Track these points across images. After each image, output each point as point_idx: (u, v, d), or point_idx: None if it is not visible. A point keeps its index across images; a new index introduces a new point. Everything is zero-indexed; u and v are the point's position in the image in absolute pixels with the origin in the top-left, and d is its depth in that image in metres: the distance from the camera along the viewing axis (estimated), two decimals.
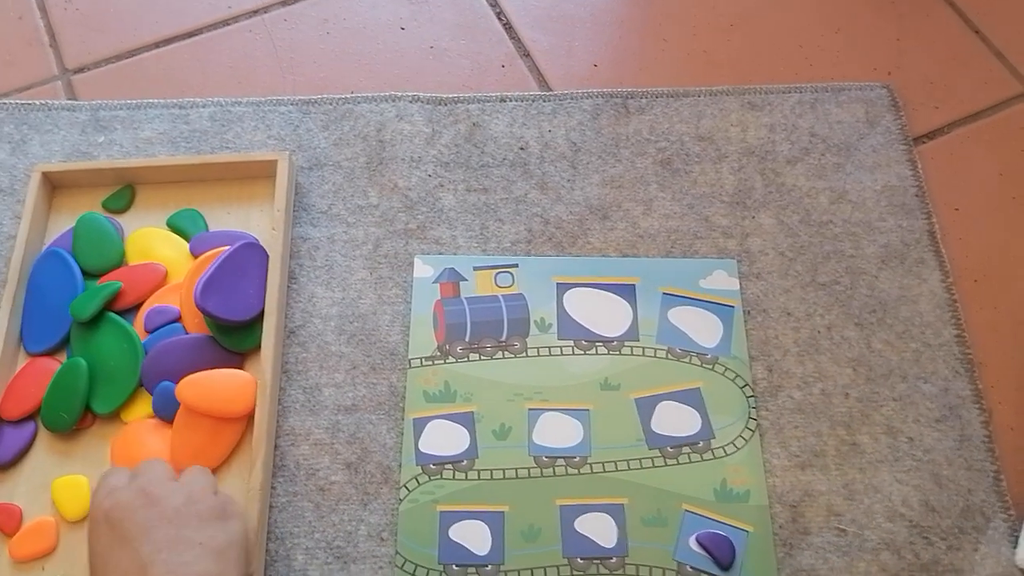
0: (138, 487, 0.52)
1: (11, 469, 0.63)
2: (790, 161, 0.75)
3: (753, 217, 0.72)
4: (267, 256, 0.68)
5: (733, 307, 0.69)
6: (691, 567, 0.59)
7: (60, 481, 0.62)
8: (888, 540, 0.60)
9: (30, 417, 0.64)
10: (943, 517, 0.61)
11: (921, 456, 0.63)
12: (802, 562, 0.60)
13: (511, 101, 0.78)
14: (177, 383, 0.63)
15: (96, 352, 0.65)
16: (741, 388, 0.65)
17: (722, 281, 0.70)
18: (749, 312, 0.69)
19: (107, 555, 0.50)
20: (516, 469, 0.63)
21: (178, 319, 0.67)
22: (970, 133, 0.77)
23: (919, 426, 0.64)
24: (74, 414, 0.63)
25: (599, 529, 0.61)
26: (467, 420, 0.65)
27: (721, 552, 0.59)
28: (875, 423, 0.64)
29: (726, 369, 0.66)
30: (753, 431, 0.64)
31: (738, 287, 0.69)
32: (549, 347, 0.67)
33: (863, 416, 0.64)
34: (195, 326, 0.67)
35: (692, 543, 0.60)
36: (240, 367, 0.66)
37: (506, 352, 0.67)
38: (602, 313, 0.69)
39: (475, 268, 0.70)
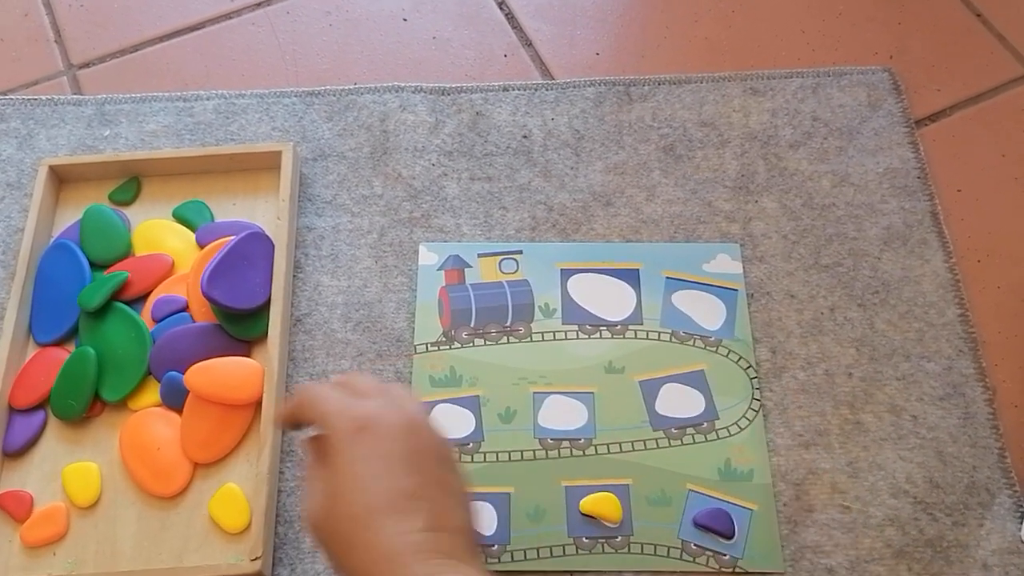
0: (396, 406, 0.48)
1: (22, 457, 0.64)
2: (792, 145, 0.75)
3: (756, 201, 0.73)
4: (272, 245, 0.69)
5: (736, 290, 0.69)
6: (695, 544, 0.60)
7: (70, 468, 0.62)
8: (893, 516, 0.61)
9: (40, 406, 0.65)
10: (948, 494, 0.61)
11: (925, 434, 0.63)
12: (806, 539, 0.60)
13: (514, 90, 0.79)
14: (185, 371, 0.64)
15: (105, 341, 0.66)
16: (745, 370, 0.66)
17: (725, 265, 0.70)
18: (752, 295, 0.69)
19: (370, 469, 0.45)
20: (521, 451, 0.63)
21: (185, 308, 0.68)
22: (972, 115, 0.78)
23: (923, 404, 0.64)
24: (83, 402, 0.64)
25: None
26: (473, 404, 0.65)
27: (721, 524, 0.60)
28: (879, 402, 0.64)
29: (730, 351, 0.67)
30: (757, 411, 0.64)
31: (741, 270, 0.70)
32: (553, 332, 0.68)
33: (867, 395, 0.65)
34: (202, 315, 0.67)
35: (692, 525, 0.60)
36: (247, 355, 0.66)
37: (511, 337, 0.68)
38: (606, 298, 0.69)
39: (479, 255, 0.71)
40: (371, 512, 0.44)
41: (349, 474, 0.45)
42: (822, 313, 0.68)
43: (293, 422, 0.52)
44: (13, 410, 0.65)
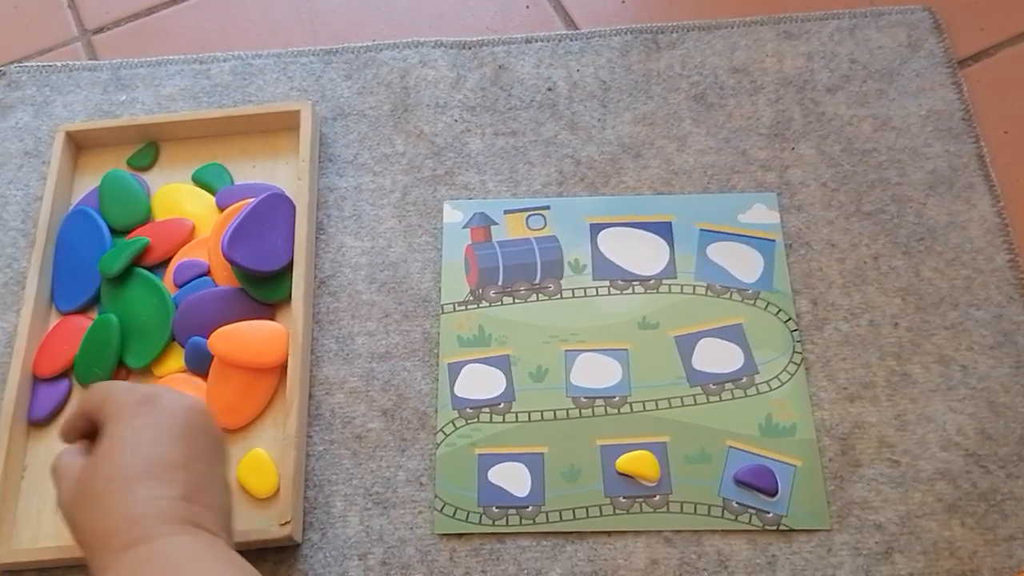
0: (178, 393, 0.52)
1: (48, 426, 0.63)
2: (830, 89, 0.72)
3: (793, 148, 0.70)
4: (294, 206, 0.67)
5: (774, 241, 0.66)
6: (737, 502, 0.58)
7: None
8: (943, 470, 0.58)
9: (64, 374, 0.64)
10: (1001, 445, 0.59)
11: (975, 384, 0.61)
12: (853, 495, 0.58)
13: (537, 42, 0.76)
14: (208, 336, 0.63)
15: (127, 308, 0.65)
16: (784, 322, 0.63)
17: (762, 215, 0.67)
18: (791, 245, 0.66)
19: (140, 436, 0.47)
20: (554, 410, 0.62)
21: (207, 273, 0.66)
22: (1017, 54, 0.74)
23: (973, 353, 0.61)
24: (107, 369, 0.63)
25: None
26: (503, 363, 0.63)
27: (763, 481, 0.58)
28: (926, 352, 0.62)
29: (768, 304, 0.64)
30: (798, 365, 0.62)
31: (779, 220, 0.67)
32: (584, 288, 0.66)
33: (914, 346, 0.62)
34: (224, 279, 0.66)
35: (733, 482, 0.58)
36: (271, 318, 0.65)
37: (540, 295, 0.66)
38: (638, 252, 0.67)
39: (506, 212, 0.69)
40: (130, 475, 0.46)
41: (119, 438, 0.47)
42: (865, 262, 0.65)
43: (76, 423, 0.52)
44: (38, 379, 0.64)
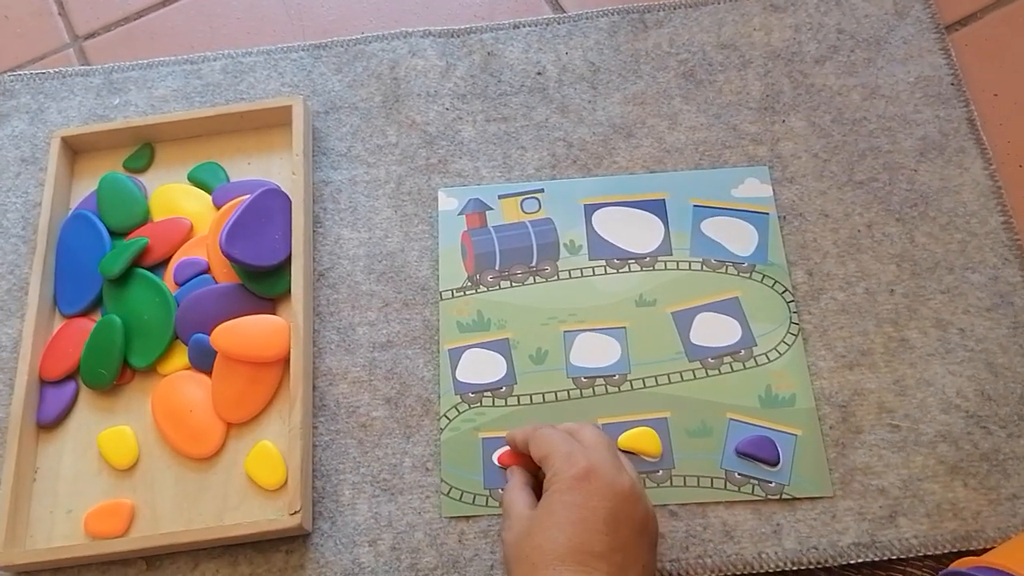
0: (616, 468, 0.52)
1: (57, 429, 0.64)
2: (818, 61, 0.72)
3: (783, 121, 0.70)
4: (290, 201, 0.68)
5: (768, 214, 0.67)
6: (739, 474, 0.58)
7: (105, 434, 0.62)
8: (945, 432, 0.58)
9: (70, 377, 0.65)
10: (1001, 405, 0.59)
11: (974, 346, 0.61)
12: (855, 461, 0.58)
13: (525, 27, 0.76)
14: (211, 332, 0.63)
15: (129, 308, 0.65)
16: (781, 294, 0.64)
17: (754, 189, 0.68)
18: (785, 217, 0.66)
19: (570, 517, 0.49)
20: (555, 392, 0.62)
21: (207, 270, 0.67)
22: (1004, 16, 0.74)
23: (970, 316, 0.62)
24: (113, 370, 0.64)
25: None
26: (503, 347, 0.64)
27: (764, 452, 0.58)
28: (923, 317, 0.62)
29: (764, 276, 0.64)
30: (796, 336, 0.62)
31: (771, 193, 0.67)
32: (581, 269, 0.66)
33: (910, 311, 0.62)
34: (224, 275, 0.66)
35: (734, 454, 0.59)
36: (272, 313, 0.65)
37: (537, 277, 0.66)
38: (632, 231, 0.67)
39: (500, 196, 0.69)
40: (555, 556, 0.48)
41: (552, 511, 0.49)
42: (859, 231, 0.65)
43: (521, 447, 0.56)
44: (44, 382, 0.65)
